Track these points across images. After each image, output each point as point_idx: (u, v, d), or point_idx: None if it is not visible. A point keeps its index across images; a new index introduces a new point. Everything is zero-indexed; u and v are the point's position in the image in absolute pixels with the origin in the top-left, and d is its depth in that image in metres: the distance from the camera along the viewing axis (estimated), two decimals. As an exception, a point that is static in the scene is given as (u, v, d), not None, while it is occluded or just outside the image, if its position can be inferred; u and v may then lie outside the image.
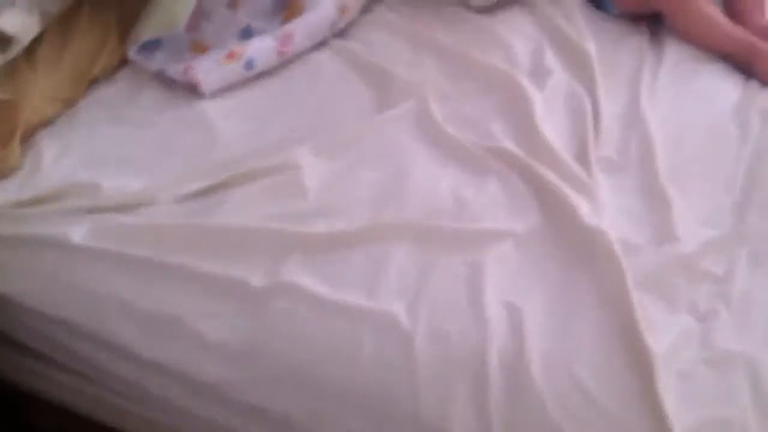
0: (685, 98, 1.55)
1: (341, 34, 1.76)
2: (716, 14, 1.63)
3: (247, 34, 1.70)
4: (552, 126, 1.50)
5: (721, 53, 1.61)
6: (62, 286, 1.35)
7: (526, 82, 1.57)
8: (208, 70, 1.61)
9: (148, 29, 1.65)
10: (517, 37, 1.70)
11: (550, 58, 1.64)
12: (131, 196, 1.42)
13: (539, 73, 1.61)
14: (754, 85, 1.57)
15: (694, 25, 1.62)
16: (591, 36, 1.68)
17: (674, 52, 1.64)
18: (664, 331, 1.20)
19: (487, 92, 1.59)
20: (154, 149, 1.54)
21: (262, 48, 1.65)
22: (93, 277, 1.34)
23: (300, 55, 1.71)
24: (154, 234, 1.35)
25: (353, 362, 1.21)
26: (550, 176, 1.39)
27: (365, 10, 1.80)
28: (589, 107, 1.53)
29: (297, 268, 1.29)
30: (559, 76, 1.60)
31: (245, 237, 1.34)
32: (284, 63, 1.69)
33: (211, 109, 1.60)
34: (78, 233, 1.37)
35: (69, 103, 1.63)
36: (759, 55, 1.56)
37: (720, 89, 1.57)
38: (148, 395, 1.35)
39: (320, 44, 1.73)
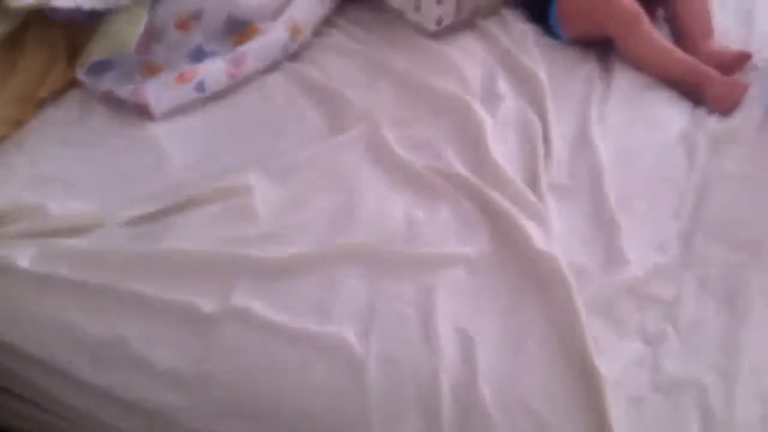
0: (634, 124, 1.57)
1: (294, 57, 1.76)
2: (665, 41, 1.66)
3: (198, 56, 1.69)
4: (503, 151, 1.51)
5: (670, 79, 1.63)
6: (8, 311, 1.33)
7: (478, 107, 1.58)
8: (158, 92, 1.60)
9: (97, 50, 1.63)
10: (469, 62, 1.71)
11: (502, 84, 1.65)
12: (79, 219, 1.40)
13: (491, 99, 1.62)
14: (701, 111, 1.59)
15: (643, 51, 1.64)
16: (542, 62, 1.70)
17: (623, 78, 1.66)
18: (614, 356, 1.21)
19: (439, 117, 1.59)
20: (102, 172, 1.52)
21: (213, 70, 1.64)
22: (39, 302, 1.32)
23: (252, 78, 1.70)
24: (102, 259, 1.33)
25: (304, 388, 1.20)
26: (502, 201, 1.40)
27: (318, 33, 1.80)
28: (539, 132, 1.54)
29: (247, 293, 1.28)
30: (511, 101, 1.61)
31: (195, 261, 1.32)
32: (236, 86, 1.68)
33: (161, 131, 1.59)
34: (24, 257, 1.35)
35: (16, 125, 1.60)
36: (707, 81, 1.59)
37: (668, 115, 1.59)
38: (100, 423, 1.33)
39: (272, 67, 1.72)
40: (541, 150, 1.51)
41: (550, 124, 1.56)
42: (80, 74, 1.64)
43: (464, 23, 1.78)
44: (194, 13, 1.69)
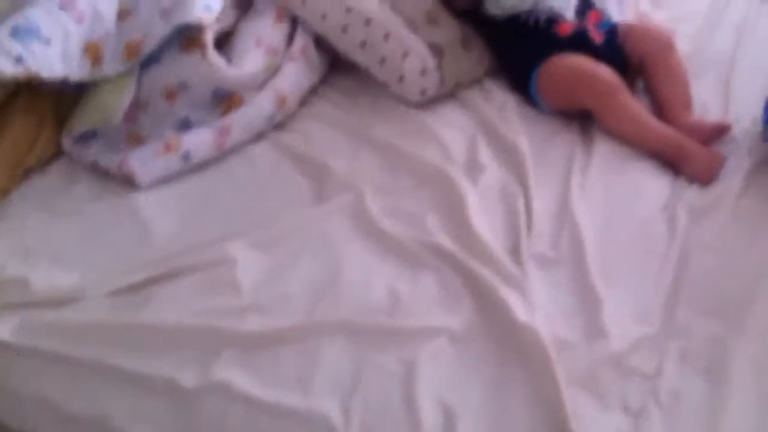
0: (615, 194, 1.59)
1: (279, 125, 1.78)
2: (644, 113, 1.68)
3: (185, 126, 1.71)
4: (486, 221, 1.52)
5: (650, 151, 1.65)
6: (-11, 384, 1.32)
7: (460, 177, 1.60)
8: (144, 163, 1.61)
9: (83, 121, 1.65)
10: (452, 131, 1.73)
11: (484, 153, 1.67)
12: (61, 292, 1.40)
13: (473, 168, 1.64)
14: (681, 182, 1.61)
15: (622, 123, 1.67)
16: (523, 132, 1.72)
17: (604, 148, 1.68)
18: (595, 429, 1.21)
19: (422, 187, 1.61)
20: (86, 242, 1.53)
21: (199, 141, 1.65)
22: (20, 376, 1.32)
23: (237, 147, 1.72)
24: (83, 331, 1.33)
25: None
26: (484, 272, 1.40)
27: (304, 102, 1.82)
28: (521, 203, 1.56)
29: (229, 367, 1.28)
30: (493, 171, 1.63)
31: (176, 334, 1.32)
32: (221, 154, 1.69)
33: (145, 201, 1.60)
34: (6, 329, 1.34)
35: (2, 193, 1.61)
36: (686, 153, 1.61)
37: (649, 186, 1.61)
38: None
39: (258, 136, 1.74)
40: (523, 220, 1.52)
41: (531, 195, 1.57)
42: (66, 144, 1.66)
43: (447, 93, 1.81)
44: (180, 84, 1.70)
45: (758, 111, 1.64)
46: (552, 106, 1.77)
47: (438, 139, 1.71)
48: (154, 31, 1.66)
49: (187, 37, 1.70)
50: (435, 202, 1.57)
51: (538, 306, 1.37)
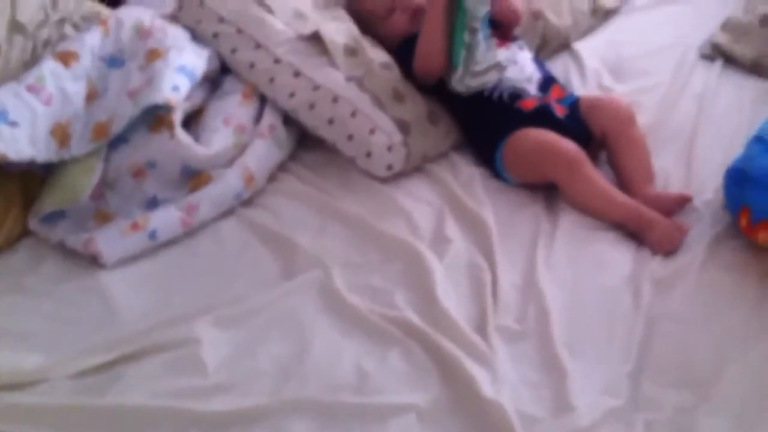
0: (580, 266, 1.60)
1: (247, 201, 1.78)
2: (607, 185, 1.70)
3: (152, 204, 1.72)
4: (453, 295, 1.53)
5: (613, 222, 1.67)
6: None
7: (427, 251, 1.61)
8: (110, 242, 1.61)
9: (50, 201, 1.65)
10: (419, 206, 1.74)
11: (451, 227, 1.68)
12: (24, 373, 1.39)
13: (440, 242, 1.65)
14: (645, 253, 1.62)
15: (585, 196, 1.69)
16: (490, 205, 1.74)
17: (569, 220, 1.70)
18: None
19: (390, 262, 1.62)
20: (52, 322, 1.53)
21: (166, 219, 1.66)
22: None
23: (205, 224, 1.72)
24: (46, 414, 1.32)
25: None
26: (451, 347, 1.41)
27: (272, 178, 1.83)
28: (488, 276, 1.57)
29: (194, 448, 1.27)
30: (459, 244, 1.64)
31: (141, 416, 1.31)
32: (189, 231, 1.70)
33: (112, 280, 1.60)
34: (-32, 413, 1.33)
35: (-31, 274, 1.61)
36: (649, 224, 1.63)
37: (613, 257, 1.62)
38: None
39: (225, 213, 1.75)
40: (489, 294, 1.53)
41: (497, 268, 1.58)
42: (33, 224, 1.66)
43: (414, 167, 1.83)
44: (148, 163, 1.72)
45: (720, 181, 1.67)
46: (517, 178, 1.79)
47: (405, 213, 1.72)
48: (123, 112, 1.68)
49: (155, 116, 1.72)
50: (402, 277, 1.58)
51: (505, 380, 1.37)
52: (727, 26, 2.06)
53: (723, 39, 2.04)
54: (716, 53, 2.04)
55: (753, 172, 1.55)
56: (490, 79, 1.81)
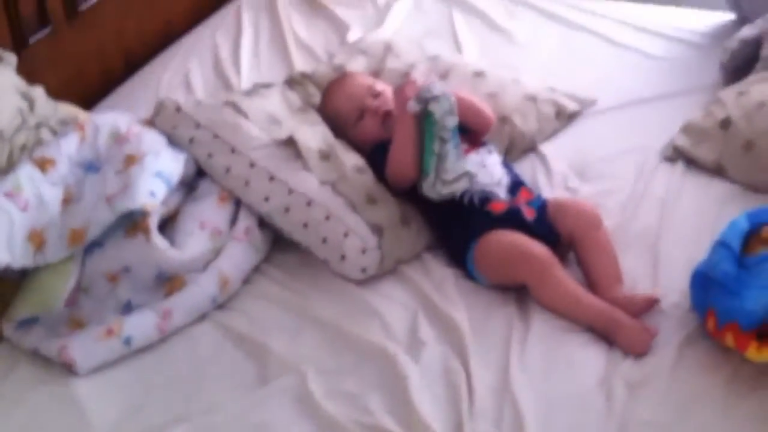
0: (553, 368, 1.62)
1: (221, 305, 1.79)
2: (577, 287, 1.74)
3: (127, 309, 1.72)
4: (427, 399, 1.54)
5: (584, 324, 1.70)
6: None
7: (401, 354, 1.63)
8: (84, 349, 1.61)
9: (24, 307, 1.65)
10: (392, 308, 1.76)
11: (424, 330, 1.70)
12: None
13: (414, 345, 1.67)
14: (617, 354, 1.65)
15: (556, 298, 1.72)
16: (463, 306, 1.76)
17: (541, 321, 1.72)
18: None
19: (364, 365, 1.63)
20: (24, 431, 1.50)
21: (141, 324, 1.66)
22: None
23: (179, 328, 1.72)
24: None
25: None
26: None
27: (246, 280, 1.84)
28: (463, 379, 1.58)
29: None
30: (433, 348, 1.66)
31: None
32: (163, 337, 1.70)
33: (85, 387, 1.60)
34: None
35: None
36: (618, 326, 1.65)
37: (585, 358, 1.64)
38: None
39: (200, 317, 1.75)
40: (464, 398, 1.54)
41: (472, 371, 1.60)
42: (6, 330, 1.66)
43: (388, 269, 1.85)
44: (123, 268, 1.73)
45: (686, 283, 1.71)
46: (489, 280, 1.82)
47: (379, 316, 1.74)
48: (99, 218, 1.69)
49: (131, 221, 1.74)
50: (377, 381, 1.59)
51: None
52: (688, 129, 2.13)
53: (684, 142, 2.11)
54: (678, 156, 2.10)
55: (717, 276, 1.59)
56: (461, 186, 1.85)
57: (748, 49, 2.29)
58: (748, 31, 2.33)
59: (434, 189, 1.84)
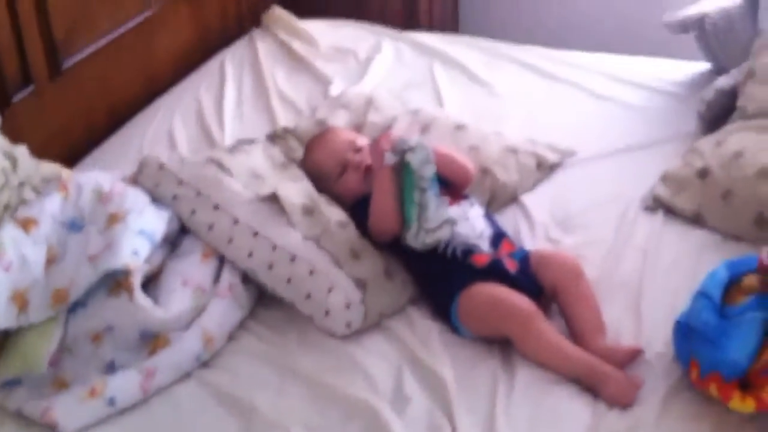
0: (539, 421, 1.62)
1: (205, 362, 1.78)
2: (561, 339, 1.74)
3: (110, 368, 1.71)
4: (413, 455, 1.54)
5: (568, 376, 1.70)
6: None
7: (386, 410, 1.62)
8: (67, 410, 1.60)
9: (7, 369, 1.64)
10: (377, 363, 1.76)
11: (409, 384, 1.70)
12: None
13: (399, 400, 1.66)
14: (602, 405, 1.65)
15: (540, 350, 1.72)
16: (447, 360, 1.76)
17: (526, 373, 1.72)
18: None
19: (350, 421, 1.63)
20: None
21: (124, 384, 1.65)
22: None
23: (163, 387, 1.71)
24: None
25: None
26: None
27: (230, 337, 1.84)
28: (449, 433, 1.58)
29: None
30: (419, 402, 1.66)
31: None
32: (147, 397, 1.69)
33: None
34: None
35: None
36: (603, 378, 1.66)
37: (570, 410, 1.64)
38: None
39: (184, 375, 1.75)
40: (452, 452, 1.54)
41: (457, 425, 1.60)
42: (-11, 395, 1.64)
43: (372, 324, 1.86)
44: (107, 327, 1.72)
45: (669, 333, 1.72)
46: (473, 332, 1.82)
47: (364, 370, 1.74)
48: (82, 278, 1.69)
49: (114, 280, 1.74)
50: (362, 438, 1.58)
51: None
52: (667, 179, 2.16)
53: (663, 191, 2.14)
54: (658, 205, 2.13)
55: (699, 327, 1.61)
56: (444, 234, 1.86)
57: (725, 99, 2.33)
58: (723, 82, 2.37)
59: (417, 239, 1.85)
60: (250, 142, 2.21)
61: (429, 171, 1.86)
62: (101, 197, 1.85)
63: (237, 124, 2.54)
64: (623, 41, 3.16)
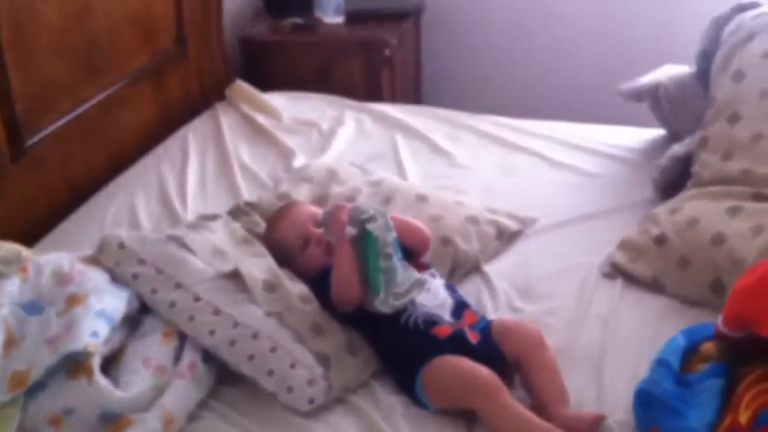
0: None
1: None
2: (523, 411, 1.73)
3: None
4: None
5: (533, 447, 1.70)
6: None
7: (351, 488, 1.61)
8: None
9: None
10: (340, 440, 1.75)
11: (374, 461, 1.69)
12: None
13: (364, 478, 1.66)
14: (567, 476, 1.65)
15: (503, 422, 1.72)
16: (411, 434, 1.76)
17: (490, 445, 1.73)
18: None
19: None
20: None
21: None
22: None
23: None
24: None
25: None
26: None
27: (191, 418, 1.81)
28: None
29: None
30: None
31: None
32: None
33: None
34: None
35: None
36: (565, 448, 1.67)
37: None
38: None
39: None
40: None
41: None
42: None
43: (335, 399, 1.85)
44: (66, 411, 1.69)
45: (630, 401, 1.73)
46: (437, 405, 1.82)
47: (326, 450, 1.73)
48: (41, 361, 1.68)
49: (73, 362, 1.72)
50: None
51: None
52: (625, 246, 2.19)
53: (621, 259, 2.17)
54: (617, 272, 2.15)
55: (659, 395, 1.62)
56: (414, 295, 1.89)
57: (679, 166, 2.38)
58: (678, 149, 2.43)
59: (387, 304, 1.87)
60: (213, 217, 2.22)
61: (390, 236, 1.89)
62: (60, 278, 1.84)
63: (200, 200, 2.55)
64: (581, 109, 3.24)
